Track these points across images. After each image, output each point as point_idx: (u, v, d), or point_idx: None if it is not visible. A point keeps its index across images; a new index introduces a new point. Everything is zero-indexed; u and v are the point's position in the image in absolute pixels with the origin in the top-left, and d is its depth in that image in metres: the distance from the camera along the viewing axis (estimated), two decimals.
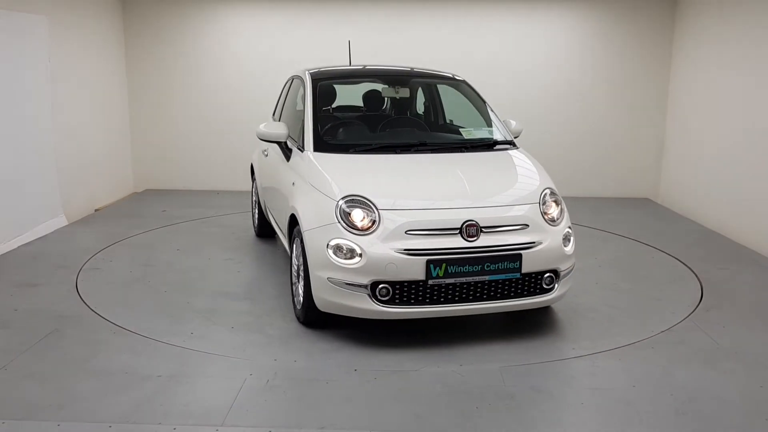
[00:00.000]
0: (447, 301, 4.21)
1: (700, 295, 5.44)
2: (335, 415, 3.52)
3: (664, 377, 4.00)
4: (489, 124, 5.52)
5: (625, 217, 8.23)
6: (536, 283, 4.39)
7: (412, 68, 6.30)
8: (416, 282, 4.12)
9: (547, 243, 4.34)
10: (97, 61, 8.56)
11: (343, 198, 4.27)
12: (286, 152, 5.33)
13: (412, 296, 4.18)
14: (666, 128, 9.31)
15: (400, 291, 4.16)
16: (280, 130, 5.33)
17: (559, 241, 4.41)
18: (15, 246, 6.50)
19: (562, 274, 4.46)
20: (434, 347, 4.37)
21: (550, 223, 4.44)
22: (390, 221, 4.16)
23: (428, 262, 4.08)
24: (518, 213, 4.38)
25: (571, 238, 4.57)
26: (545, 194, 4.55)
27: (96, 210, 8.38)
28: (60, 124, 7.52)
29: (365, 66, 6.60)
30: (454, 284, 4.17)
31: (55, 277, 5.65)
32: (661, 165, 9.41)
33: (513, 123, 5.61)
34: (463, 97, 5.81)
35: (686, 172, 8.64)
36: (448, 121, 6.11)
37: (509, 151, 5.17)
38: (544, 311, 5.03)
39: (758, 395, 3.80)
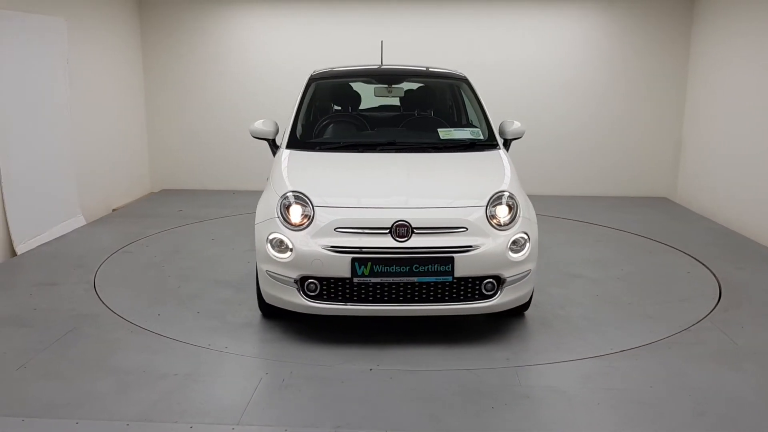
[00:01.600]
0: (375, 301, 4.20)
1: (718, 295, 5.39)
2: (350, 414, 3.52)
3: (680, 377, 3.96)
4: (476, 124, 5.43)
5: (642, 217, 8.17)
6: (474, 288, 4.24)
7: (415, 67, 6.33)
8: (342, 279, 4.15)
9: (486, 248, 4.17)
10: (114, 63, 8.63)
11: (284, 194, 4.38)
12: (273, 150, 5.42)
13: (339, 293, 4.21)
14: (684, 127, 9.24)
15: (327, 287, 4.20)
16: (267, 127, 5.38)
17: (503, 246, 4.20)
18: (34, 246, 6.57)
19: (506, 280, 4.25)
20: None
21: (497, 227, 4.25)
22: (322, 218, 4.22)
23: (353, 260, 4.10)
24: (455, 215, 4.24)
25: (527, 245, 4.30)
26: (496, 198, 4.34)
27: (113, 210, 8.45)
28: (78, 125, 7.59)
29: (366, 66, 6.53)
30: (381, 284, 4.15)
31: (73, 277, 5.71)
32: (679, 164, 9.33)
33: (515, 124, 5.47)
34: (461, 95, 5.77)
35: (704, 170, 8.56)
36: (456, 119, 5.98)
37: (485, 152, 5.05)
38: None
39: None
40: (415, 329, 4.62)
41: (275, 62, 9.32)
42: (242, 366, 4.08)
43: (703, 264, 6.20)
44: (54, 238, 6.90)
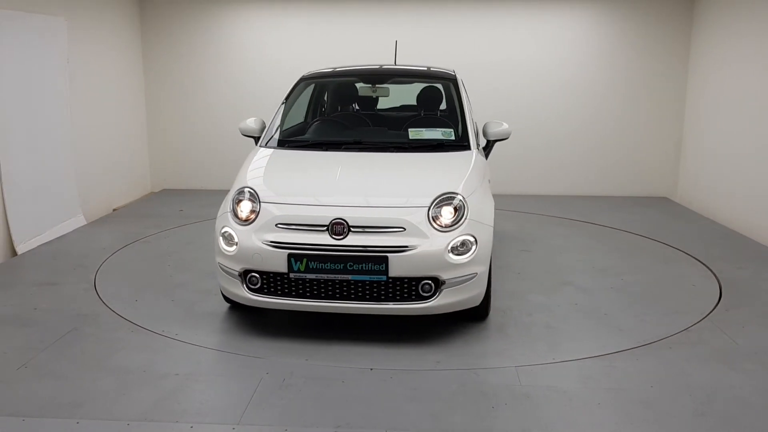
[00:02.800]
0: (312, 296, 4.26)
1: (718, 295, 5.39)
2: (351, 414, 3.52)
3: (682, 377, 3.96)
4: (452, 124, 5.35)
5: (643, 216, 8.17)
6: (410, 289, 4.22)
7: (405, 67, 6.36)
8: (280, 274, 4.24)
9: (424, 249, 4.13)
10: (114, 63, 8.63)
11: (238, 189, 4.54)
12: None
13: (278, 287, 4.30)
14: (684, 126, 9.24)
15: (267, 281, 4.30)
16: (255, 125, 5.52)
17: (441, 248, 4.14)
18: (35, 245, 6.57)
19: (444, 282, 4.20)
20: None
21: (439, 228, 4.20)
22: (266, 214, 4.32)
23: (289, 255, 4.18)
24: (393, 215, 4.21)
25: (473, 248, 4.24)
26: (442, 199, 4.30)
27: (114, 210, 8.45)
28: (78, 125, 7.59)
29: (356, 66, 6.54)
30: (317, 280, 4.21)
31: (74, 276, 5.71)
32: (680, 164, 9.33)
33: (501, 126, 5.42)
34: (448, 95, 5.72)
35: (705, 170, 8.56)
36: (437, 119, 5.84)
37: (453, 153, 5.00)
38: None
39: None
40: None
41: (276, 62, 9.32)
42: (243, 366, 4.08)
43: (703, 263, 6.20)
44: (54, 237, 6.90)
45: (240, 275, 4.35)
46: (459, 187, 4.42)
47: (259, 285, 4.33)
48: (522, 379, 3.91)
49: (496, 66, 9.15)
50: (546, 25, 9.20)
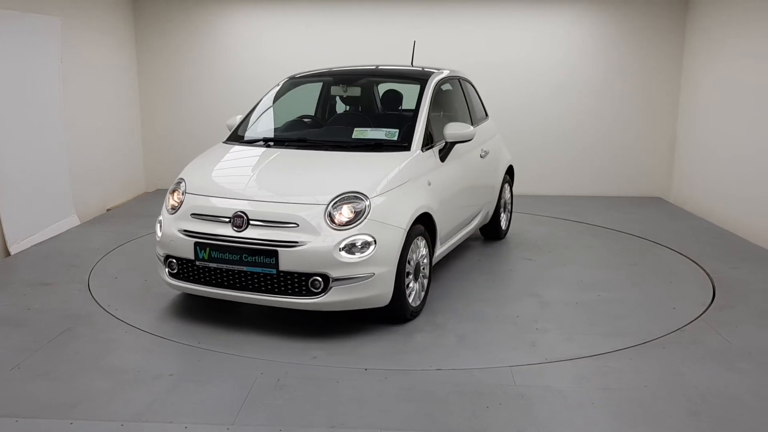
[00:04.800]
0: (215, 284, 4.49)
1: (712, 295, 5.41)
2: (346, 414, 3.52)
3: (676, 377, 3.97)
4: (402, 125, 5.27)
5: (637, 216, 8.19)
6: (300, 284, 4.30)
7: (383, 68, 6.42)
8: (190, 261, 4.51)
9: (314, 245, 4.21)
10: (108, 62, 8.60)
11: (176, 180, 4.89)
12: None
13: (189, 274, 4.57)
14: (678, 127, 9.26)
15: (181, 267, 4.60)
16: (232, 122, 5.83)
17: (331, 245, 4.21)
18: (28, 246, 6.54)
19: (333, 280, 4.24)
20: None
21: (335, 227, 4.27)
22: (186, 204, 4.63)
23: (195, 244, 4.45)
24: (288, 211, 4.33)
25: (371, 248, 4.28)
26: (342, 198, 4.36)
27: (108, 210, 8.43)
28: (72, 124, 7.57)
29: (343, 67, 6.54)
30: (219, 269, 4.42)
31: (68, 277, 5.69)
32: (673, 164, 9.36)
33: (464, 128, 5.30)
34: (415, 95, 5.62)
35: (698, 170, 8.59)
36: (397, 119, 5.78)
37: (387, 153, 4.94)
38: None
39: None
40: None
41: (270, 62, 9.30)
42: (237, 366, 4.07)
43: (697, 263, 6.22)
44: (48, 238, 6.87)
45: (163, 260, 4.70)
46: (365, 187, 4.46)
47: (176, 270, 4.64)
48: (516, 379, 3.91)
49: (491, 67, 9.14)
50: (539, 26, 9.21)
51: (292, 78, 6.17)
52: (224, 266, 4.39)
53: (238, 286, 4.42)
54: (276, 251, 4.25)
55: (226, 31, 9.38)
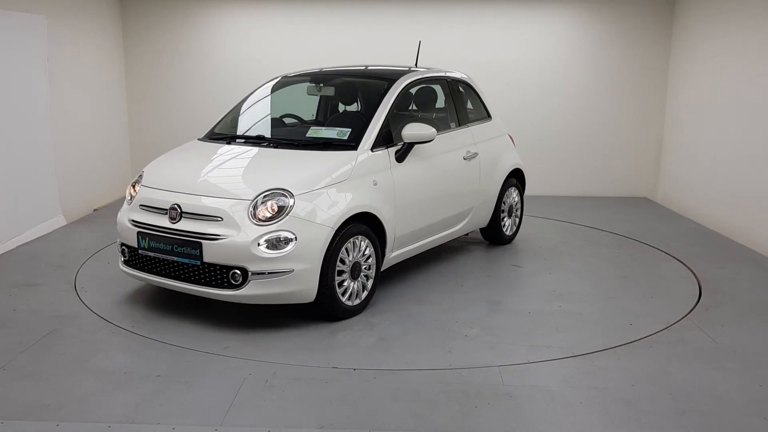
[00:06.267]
0: (155, 273, 4.75)
1: (698, 294, 5.44)
2: (334, 414, 3.52)
3: (662, 376, 4.00)
4: (357, 125, 5.27)
5: (623, 217, 8.23)
6: (222, 276, 4.45)
7: (364, 67, 6.42)
8: (135, 249, 4.81)
9: (234, 239, 4.35)
10: (95, 61, 8.55)
11: (140, 173, 5.16)
12: None
13: (137, 261, 4.86)
14: (665, 127, 9.32)
15: (130, 255, 4.91)
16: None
17: (249, 240, 4.32)
18: (13, 246, 6.49)
19: (251, 273, 4.35)
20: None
21: (256, 222, 4.39)
22: (139, 195, 4.92)
23: (138, 233, 4.75)
24: (215, 205, 4.50)
25: (291, 244, 4.36)
26: (267, 194, 4.47)
27: (94, 210, 8.38)
28: (58, 123, 7.51)
29: (333, 67, 6.54)
30: (156, 258, 4.68)
31: (54, 277, 5.65)
32: (660, 164, 9.42)
33: (423, 130, 5.22)
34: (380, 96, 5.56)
35: (685, 171, 8.64)
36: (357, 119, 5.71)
37: (333, 152, 4.96)
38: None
39: (757, 394, 3.80)
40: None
41: (258, 61, 9.28)
42: (225, 367, 4.05)
43: (683, 263, 6.26)
44: (34, 238, 6.82)
45: (119, 248, 5.04)
46: (291, 185, 4.55)
47: (128, 258, 4.95)
48: (505, 379, 3.92)
49: (480, 68, 9.15)
50: (527, 28, 9.23)
51: (281, 77, 6.17)
52: (160, 255, 4.64)
53: (172, 275, 4.65)
54: (200, 243, 4.43)
55: (215, 29, 9.35)
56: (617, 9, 9.14)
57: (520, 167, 6.88)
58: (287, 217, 4.41)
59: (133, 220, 4.81)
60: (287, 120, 6.03)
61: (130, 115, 9.52)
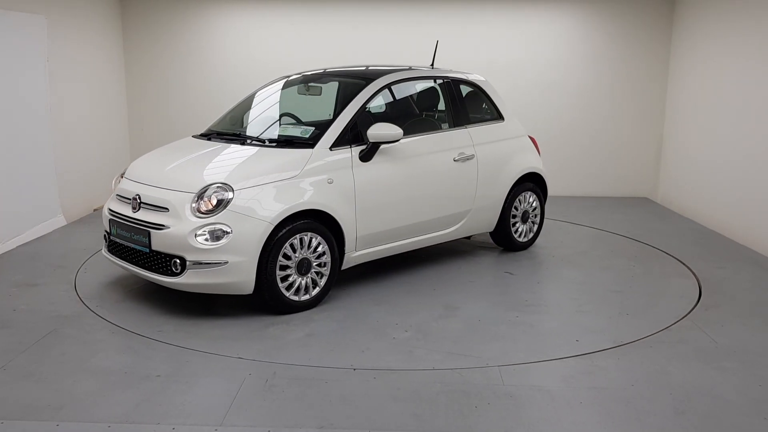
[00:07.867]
0: (122, 258, 5.08)
1: (698, 294, 5.44)
2: (334, 414, 3.52)
3: (662, 376, 4.00)
4: (324, 124, 5.30)
5: (623, 216, 8.24)
6: (166, 263, 4.72)
7: (364, 68, 6.40)
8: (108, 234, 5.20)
9: (175, 230, 4.62)
10: (95, 61, 8.55)
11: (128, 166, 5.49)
12: None
13: (111, 248, 5.22)
14: (665, 127, 9.32)
15: (108, 242, 5.25)
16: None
17: (186, 231, 4.57)
18: (13, 246, 6.49)
19: (189, 263, 4.58)
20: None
21: (197, 214, 4.62)
22: (119, 186, 5.25)
23: (109, 221, 5.13)
24: (165, 197, 4.78)
25: (227, 237, 4.54)
26: (208, 188, 4.68)
27: (94, 210, 8.38)
28: (58, 123, 7.51)
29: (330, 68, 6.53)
30: (121, 244, 5.03)
31: (54, 277, 5.65)
32: (660, 164, 9.42)
33: (388, 130, 5.17)
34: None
35: (685, 171, 8.64)
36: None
37: (290, 150, 5.06)
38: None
39: (757, 394, 3.80)
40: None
41: (258, 61, 9.28)
42: (225, 367, 4.06)
43: (683, 263, 6.26)
44: (34, 238, 6.82)
45: (104, 234, 5.35)
46: (233, 179, 4.75)
47: (108, 244, 5.27)
48: (505, 379, 3.92)
49: (478, 68, 9.14)
50: (526, 28, 9.23)
51: (282, 78, 6.26)
52: (123, 242, 4.98)
53: (133, 261, 4.96)
54: (149, 232, 4.73)
55: (215, 29, 9.35)
56: (617, 9, 9.14)
57: (536, 171, 6.59)
58: (225, 210, 4.61)
59: (110, 209, 5.18)
60: (285, 120, 6.02)
61: (130, 115, 9.52)
